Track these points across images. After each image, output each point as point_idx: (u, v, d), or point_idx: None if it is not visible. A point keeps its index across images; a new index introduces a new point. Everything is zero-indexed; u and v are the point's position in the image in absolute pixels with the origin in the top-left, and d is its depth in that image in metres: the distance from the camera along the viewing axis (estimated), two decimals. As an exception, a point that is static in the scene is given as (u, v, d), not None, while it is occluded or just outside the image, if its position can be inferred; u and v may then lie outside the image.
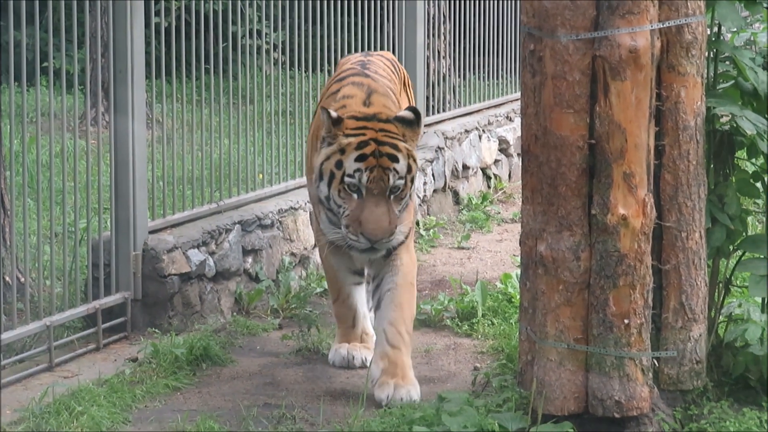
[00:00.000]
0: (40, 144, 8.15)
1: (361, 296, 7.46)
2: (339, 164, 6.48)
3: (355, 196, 6.38)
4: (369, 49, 10.92)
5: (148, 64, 8.45)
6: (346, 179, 6.42)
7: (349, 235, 6.34)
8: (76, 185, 8.29)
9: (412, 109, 6.76)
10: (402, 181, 6.42)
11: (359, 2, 10.79)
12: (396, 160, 6.44)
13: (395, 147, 6.50)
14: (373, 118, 6.66)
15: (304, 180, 9.90)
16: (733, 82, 6.87)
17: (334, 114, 6.56)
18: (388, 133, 6.55)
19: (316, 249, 9.77)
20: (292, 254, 9.54)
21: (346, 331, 7.41)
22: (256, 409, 7.19)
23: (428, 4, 11.66)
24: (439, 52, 12.55)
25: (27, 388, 7.31)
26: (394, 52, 11.23)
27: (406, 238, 6.99)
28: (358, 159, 6.44)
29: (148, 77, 8.50)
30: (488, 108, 13.13)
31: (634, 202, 6.12)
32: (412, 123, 6.66)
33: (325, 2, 10.43)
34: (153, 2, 8.56)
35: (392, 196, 6.41)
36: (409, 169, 6.43)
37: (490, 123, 12.95)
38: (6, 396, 7.20)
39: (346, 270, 7.28)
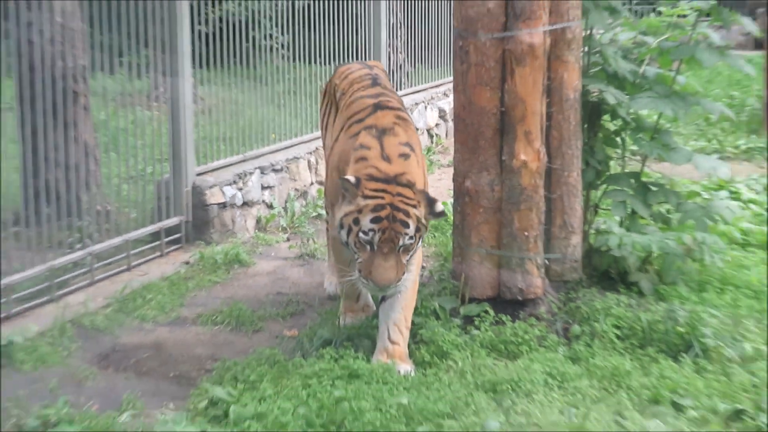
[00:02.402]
0: (119, 115, 8.12)
1: None
2: (356, 221, 5.51)
3: (368, 248, 5.50)
4: (348, 46, 10.90)
5: (193, 58, 8.45)
6: (361, 235, 5.49)
7: (361, 279, 5.54)
8: (145, 143, 8.29)
9: (440, 209, 5.63)
10: (411, 241, 5.53)
11: (342, 14, 10.74)
12: (407, 225, 5.46)
13: (407, 214, 5.47)
14: (392, 181, 5.55)
15: (304, 138, 9.96)
16: (600, 67, 6.90)
17: (353, 179, 5.50)
18: (404, 199, 5.50)
19: (313, 186, 9.80)
20: (296, 189, 9.53)
21: (350, 304, 6.50)
22: (271, 296, 7.24)
23: (389, 15, 11.62)
24: (396, 48, 12.52)
25: (113, 283, 7.32)
26: (365, 50, 11.22)
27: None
28: (373, 221, 5.47)
29: (194, 67, 8.48)
30: (431, 87, 13.08)
31: (531, 151, 6.15)
32: (431, 201, 5.60)
33: (317, 14, 10.39)
34: (197, 15, 8.54)
35: (401, 251, 5.52)
36: (418, 230, 5.54)
37: (432, 98, 12.91)
38: (97, 289, 7.22)
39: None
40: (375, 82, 6.56)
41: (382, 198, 5.50)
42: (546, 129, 6.28)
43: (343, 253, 6.00)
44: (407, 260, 5.58)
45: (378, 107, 6.06)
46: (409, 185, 5.57)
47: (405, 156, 5.70)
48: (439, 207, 5.57)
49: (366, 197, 5.51)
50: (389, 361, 5.68)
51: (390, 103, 6.15)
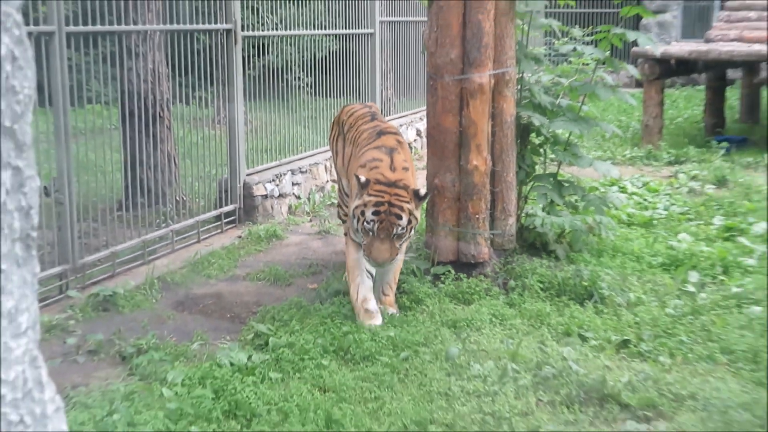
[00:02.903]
0: (193, 133, 8.07)
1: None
2: (363, 213, 5.35)
3: (370, 234, 5.34)
4: (354, 85, 10.84)
5: (245, 93, 8.36)
6: (365, 224, 5.34)
7: (364, 256, 5.40)
8: (210, 153, 8.22)
9: (425, 193, 5.52)
10: (403, 231, 5.35)
11: (350, 62, 10.68)
12: (400, 218, 5.30)
13: (401, 209, 5.32)
14: (392, 185, 5.41)
15: (321, 149, 9.83)
16: (528, 100, 6.83)
17: (363, 179, 5.39)
18: (399, 198, 5.35)
19: (328, 183, 9.72)
20: (316, 185, 9.45)
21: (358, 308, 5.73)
22: (298, 260, 7.17)
23: (381, 63, 11.55)
24: (387, 86, 12.43)
25: (187, 252, 7.26)
26: (365, 87, 11.13)
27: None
28: (374, 213, 5.32)
29: (245, 100, 8.42)
30: (411, 114, 12.97)
31: (481, 158, 6.09)
32: (419, 197, 5.45)
33: (331, 62, 10.33)
34: (247, 63, 8.47)
35: (395, 237, 5.34)
36: (409, 222, 5.37)
37: (412, 121, 12.81)
38: (176, 255, 7.17)
39: (362, 262, 5.64)
40: (373, 117, 6.40)
41: (382, 196, 5.35)
42: (491, 143, 6.23)
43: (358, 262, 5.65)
44: (400, 245, 5.42)
45: (382, 133, 5.92)
46: (405, 187, 5.43)
47: (406, 168, 5.59)
48: (423, 192, 5.49)
49: (370, 195, 5.36)
50: (382, 307, 5.62)
51: (390, 129, 6.03)
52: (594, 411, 4.36)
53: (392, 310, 5.68)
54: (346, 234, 6.23)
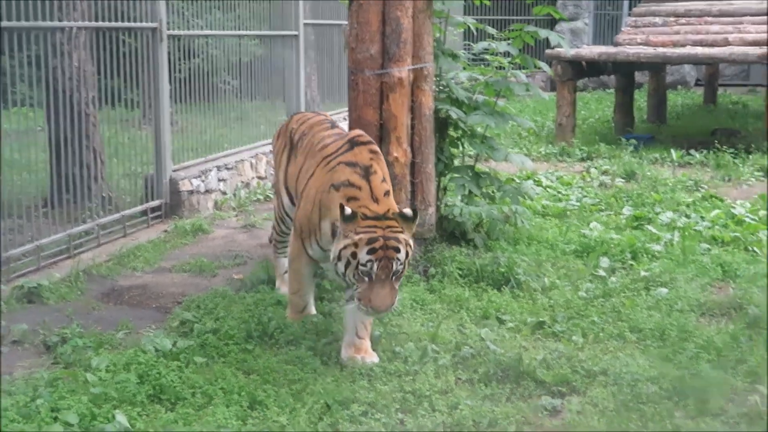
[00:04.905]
0: (120, 134, 7.93)
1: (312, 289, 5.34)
2: (354, 255, 4.40)
3: (366, 279, 4.39)
4: (279, 87, 10.73)
5: (171, 96, 8.29)
6: (360, 267, 4.38)
7: (361, 306, 4.43)
8: (137, 152, 8.09)
9: (413, 210, 4.61)
10: (401, 266, 4.44)
11: (274, 65, 10.58)
12: (398, 250, 4.39)
13: (398, 240, 4.41)
14: (382, 218, 4.47)
15: (247, 147, 9.71)
16: (447, 94, 6.85)
17: (348, 211, 4.44)
18: (392, 229, 4.43)
19: (254, 179, 9.62)
20: (242, 182, 9.32)
21: (295, 313, 5.17)
22: (224, 252, 7.06)
23: (306, 65, 11.48)
24: (312, 87, 12.37)
25: (114, 246, 7.10)
26: (290, 90, 11.01)
27: None
28: (369, 252, 4.36)
29: (172, 102, 8.33)
30: (335, 114, 12.91)
31: (401, 150, 6.06)
32: (409, 219, 4.50)
33: (257, 65, 10.23)
34: (174, 66, 8.34)
35: (394, 278, 4.43)
36: (407, 255, 4.45)
37: (337, 121, 12.76)
38: (102, 249, 7.00)
39: (311, 276, 5.17)
40: (333, 124, 5.64)
41: (374, 231, 4.43)
42: (410, 135, 6.20)
43: (303, 277, 5.13)
44: (399, 285, 4.56)
45: (355, 143, 4.89)
46: (394, 217, 4.51)
47: (387, 193, 4.69)
48: (409, 212, 4.56)
49: (359, 232, 4.43)
50: (357, 356, 4.72)
51: (362, 139, 4.97)
52: (511, 388, 4.39)
53: (370, 358, 4.74)
54: (274, 244, 6.00)
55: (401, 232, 4.47)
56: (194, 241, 7.45)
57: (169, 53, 8.17)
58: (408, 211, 4.57)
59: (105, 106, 7.85)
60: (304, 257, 5.02)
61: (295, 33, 10.93)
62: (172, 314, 5.45)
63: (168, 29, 8.09)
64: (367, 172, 4.70)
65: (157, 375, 4.26)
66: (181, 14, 8.94)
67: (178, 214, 8.11)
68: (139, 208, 7.82)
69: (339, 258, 4.48)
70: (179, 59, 8.67)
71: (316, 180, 4.98)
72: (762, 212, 7.93)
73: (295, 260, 5.11)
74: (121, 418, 3.86)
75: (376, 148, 4.96)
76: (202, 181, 8.52)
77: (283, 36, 10.72)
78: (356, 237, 4.41)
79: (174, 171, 8.23)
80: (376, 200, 4.60)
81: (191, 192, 8.31)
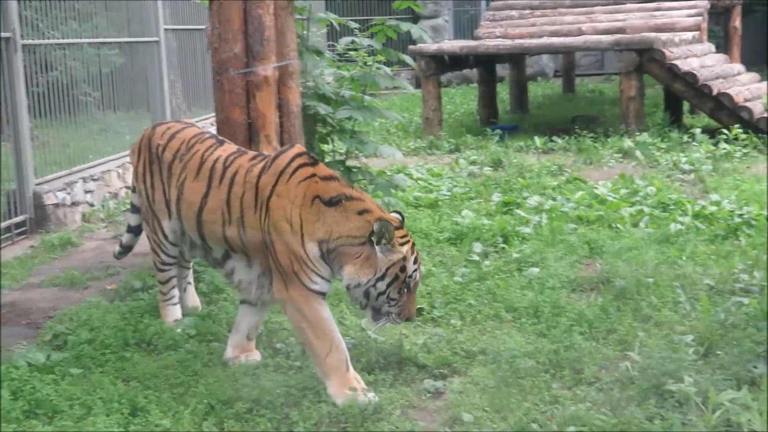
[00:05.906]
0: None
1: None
2: (403, 269, 4.07)
3: (406, 290, 4.12)
4: (141, 97, 10.52)
5: (30, 110, 8.05)
6: (407, 280, 4.09)
7: (396, 319, 4.17)
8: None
9: (400, 213, 4.38)
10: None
11: (136, 75, 10.36)
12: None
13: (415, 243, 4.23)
14: (400, 227, 4.19)
15: (112, 157, 9.47)
16: (313, 90, 6.86)
17: (397, 220, 4.20)
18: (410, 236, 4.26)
19: (122, 189, 9.37)
20: (109, 192, 9.09)
21: (343, 379, 4.17)
22: (95, 265, 6.87)
23: (169, 73, 11.27)
24: (177, 95, 12.16)
25: (-23, 264, 6.84)
26: (154, 99, 10.78)
27: None
28: (414, 261, 4.11)
29: (31, 116, 8.09)
30: (203, 120, 12.74)
31: (271, 148, 6.01)
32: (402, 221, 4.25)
33: (118, 76, 9.98)
34: (30, 80, 8.06)
35: None
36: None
37: (205, 127, 12.57)
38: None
39: (332, 317, 4.32)
40: (221, 141, 4.98)
41: (407, 239, 4.17)
42: (279, 133, 6.18)
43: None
44: None
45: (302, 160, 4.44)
46: (400, 226, 4.23)
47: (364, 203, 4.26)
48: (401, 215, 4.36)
49: (402, 244, 4.11)
50: (242, 356, 4.59)
51: (304, 153, 4.54)
52: (394, 374, 4.44)
53: (253, 357, 4.63)
54: (159, 285, 5.26)
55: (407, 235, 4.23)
56: (63, 254, 7.22)
57: (25, 66, 7.90)
58: (398, 216, 4.35)
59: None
60: (313, 299, 4.22)
61: (156, 39, 10.72)
62: (43, 329, 5.26)
63: (22, 38, 7.82)
64: (351, 183, 4.31)
65: (32, 390, 4.12)
66: (35, 26, 8.63)
67: (44, 229, 7.84)
68: (2, 224, 7.53)
69: (384, 277, 4.09)
70: (36, 72, 8.39)
71: (275, 207, 4.26)
72: (623, 191, 8.27)
73: (306, 310, 4.21)
74: (-5, 436, 3.71)
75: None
76: (68, 193, 8.26)
77: (143, 43, 10.51)
78: (403, 249, 4.11)
79: (37, 185, 7.96)
80: (380, 208, 4.30)
81: (57, 205, 8.04)
